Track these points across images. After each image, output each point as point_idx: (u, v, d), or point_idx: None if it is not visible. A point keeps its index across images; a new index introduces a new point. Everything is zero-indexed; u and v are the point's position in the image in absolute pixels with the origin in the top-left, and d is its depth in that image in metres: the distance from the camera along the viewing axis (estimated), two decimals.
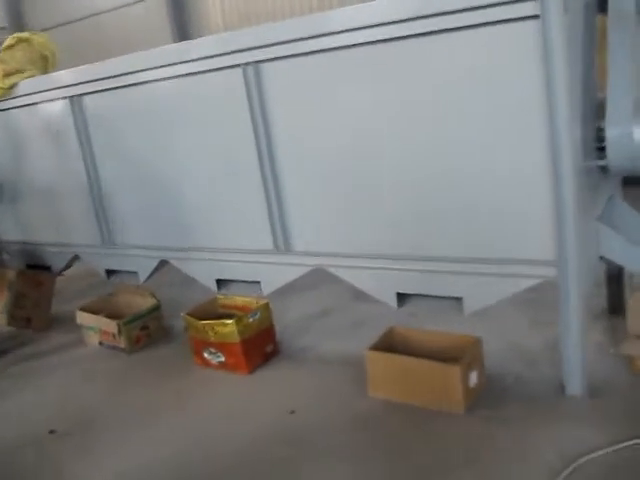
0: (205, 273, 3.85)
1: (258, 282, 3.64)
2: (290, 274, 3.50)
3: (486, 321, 3.43)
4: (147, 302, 4.31)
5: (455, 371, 2.89)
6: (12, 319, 4.47)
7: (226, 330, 3.49)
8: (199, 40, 3.69)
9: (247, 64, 3.24)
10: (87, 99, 4.00)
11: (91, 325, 4.23)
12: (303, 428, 2.95)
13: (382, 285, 3.24)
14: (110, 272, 4.45)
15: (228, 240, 3.68)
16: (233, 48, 3.26)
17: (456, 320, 3.22)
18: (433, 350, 3.15)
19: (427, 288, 3.15)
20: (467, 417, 2.87)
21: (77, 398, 3.58)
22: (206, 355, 3.64)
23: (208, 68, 3.40)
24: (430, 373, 2.97)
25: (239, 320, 3.50)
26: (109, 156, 4.07)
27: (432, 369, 2.96)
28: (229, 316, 3.85)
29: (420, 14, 2.70)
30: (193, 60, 3.42)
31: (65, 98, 4.06)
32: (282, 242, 3.46)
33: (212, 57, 3.34)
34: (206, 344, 3.61)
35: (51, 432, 3.24)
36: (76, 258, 4.62)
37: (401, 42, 2.81)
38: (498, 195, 2.82)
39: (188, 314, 3.71)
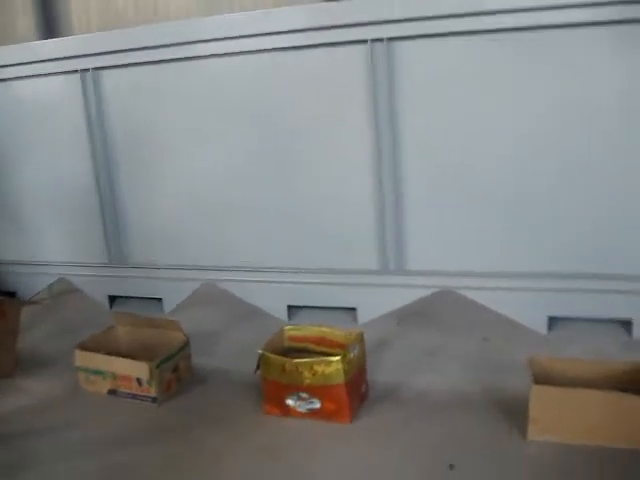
0: (272, 299, 3.10)
1: (353, 309, 2.99)
2: (401, 299, 2.92)
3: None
4: (166, 336, 3.40)
5: None
6: None
7: (330, 370, 2.79)
8: (293, 8, 2.95)
9: (376, 40, 2.64)
10: (107, 75, 3.07)
11: (99, 369, 3.23)
12: None
13: (530, 308, 2.79)
14: (113, 299, 3.48)
15: (310, 257, 2.99)
16: (358, 20, 2.64)
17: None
18: (592, 380, 2.75)
19: (587, 310, 2.75)
20: None
21: (128, 474, 2.64)
22: (290, 402, 2.90)
23: (303, 44, 2.74)
24: (623, 408, 2.55)
25: (344, 357, 2.82)
26: (131, 149, 3.16)
27: (628, 403, 2.54)
28: (302, 351, 3.15)
29: None
30: (278, 33, 2.74)
31: (75, 72, 3.09)
32: (392, 260, 2.87)
33: (318, 29, 2.69)
34: (295, 388, 2.86)
35: None
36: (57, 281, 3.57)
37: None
38: None
39: (266, 351, 2.94)
